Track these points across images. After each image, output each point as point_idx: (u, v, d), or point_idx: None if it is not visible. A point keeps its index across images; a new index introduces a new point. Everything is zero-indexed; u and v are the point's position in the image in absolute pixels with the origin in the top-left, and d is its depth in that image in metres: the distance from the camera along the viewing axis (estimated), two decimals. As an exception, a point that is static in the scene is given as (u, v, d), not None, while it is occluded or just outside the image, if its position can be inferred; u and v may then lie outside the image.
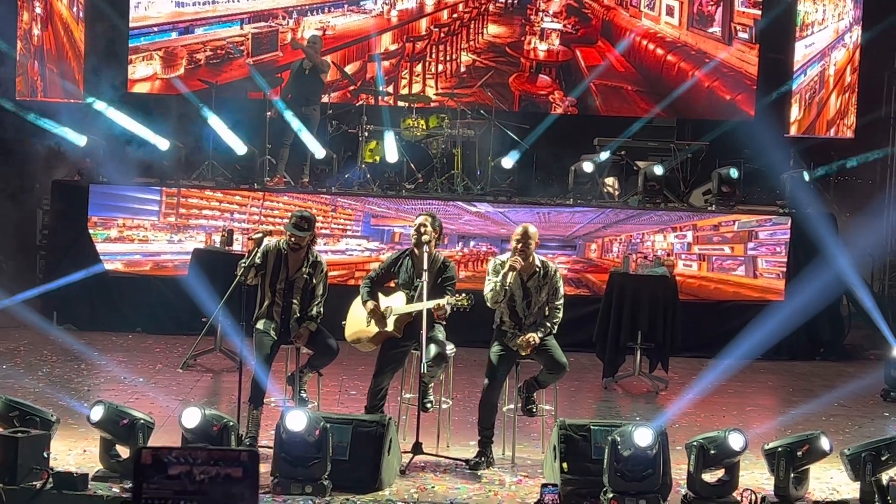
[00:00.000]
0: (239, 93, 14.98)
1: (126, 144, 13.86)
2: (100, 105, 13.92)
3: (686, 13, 15.63)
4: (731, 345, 12.22)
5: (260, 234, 8.73)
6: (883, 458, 7.57)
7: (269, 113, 13.85)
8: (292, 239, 8.73)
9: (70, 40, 15.12)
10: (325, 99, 14.37)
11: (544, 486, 5.92)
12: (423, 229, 8.54)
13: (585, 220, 13.52)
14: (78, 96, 14.77)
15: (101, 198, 13.28)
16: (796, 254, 13.47)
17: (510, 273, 8.41)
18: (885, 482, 7.48)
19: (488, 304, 8.56)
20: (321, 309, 8.81)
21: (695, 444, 7.59)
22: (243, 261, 8.63)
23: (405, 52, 15.58)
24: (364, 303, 8.67)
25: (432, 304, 8.29)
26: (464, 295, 8.35)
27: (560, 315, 8.60)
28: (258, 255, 8.62)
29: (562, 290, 8.66)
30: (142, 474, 4.05)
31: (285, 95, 14.00)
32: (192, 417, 7.51)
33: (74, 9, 15.12)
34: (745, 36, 15.64)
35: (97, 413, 7.54)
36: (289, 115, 13.71)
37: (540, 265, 8.59)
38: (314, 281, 8.79)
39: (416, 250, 8.60)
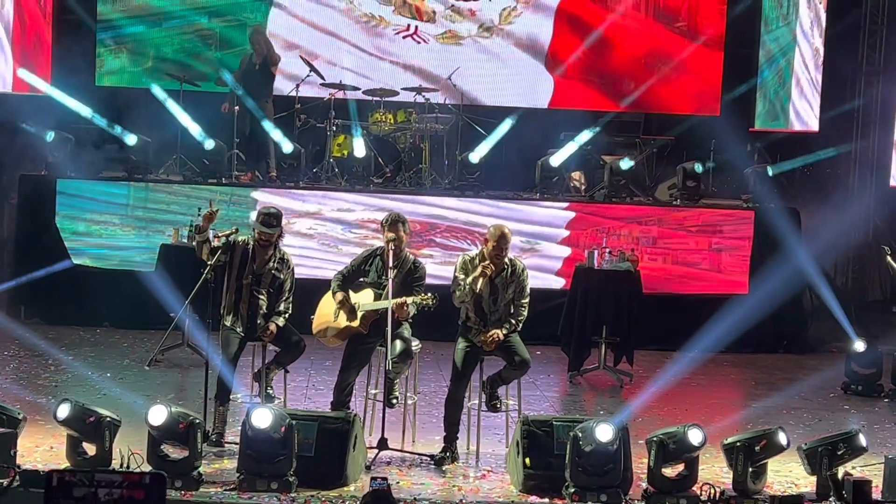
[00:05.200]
0: (208, 84, 14.91)
1: (94, 139, 13.89)
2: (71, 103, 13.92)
3: (652, 7, 15.70)
4: (695, 338, 12.31)
5: (224, 236, 8.78)
6: (839, 453, 7.74)
7: (224, 107, 13.90)
8: (262, 237, 8.79)
9: (37, 33, 15.07)
10: (292, 93, 14.40)
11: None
12: (389, 238, 8.59)
13: (551, 214, 13.61)
14: (46, 90, 14.68)
15: (68, 192, 13.27)
16: (760, 248, 13.61)
17: (480, 280, 8.46)
18: (840, 476, 7.62)
19: (455, 303, 8.65)
20: (289, 305, 8.88)
21: (655, 439, 7.71)
22: (195, 234, 8.72)
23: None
24: (334, 294, 8.75)
25: (398, 301, 8.38)
26: (429, 294, 8.44)
27: (525, 313, 8.69)
28: (222, 241, 8.67)
29: (528, 289, 8.73)
30: (50, 496, 4.20)
31: (236, 89, 14.00)
32: (158, 415, 7.57)
33: (42, 1, 15.07)
34: (711, 31, 15.72)
35: (63, 411, 7.59)
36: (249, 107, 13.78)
37: (508, 263, 8.65)
38: (282, 276, 8.86)
39: (386, 248, 8.65)
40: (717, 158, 14.63)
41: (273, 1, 15.45)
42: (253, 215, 12.09)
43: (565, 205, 13.71)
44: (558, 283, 13.32)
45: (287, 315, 8.85)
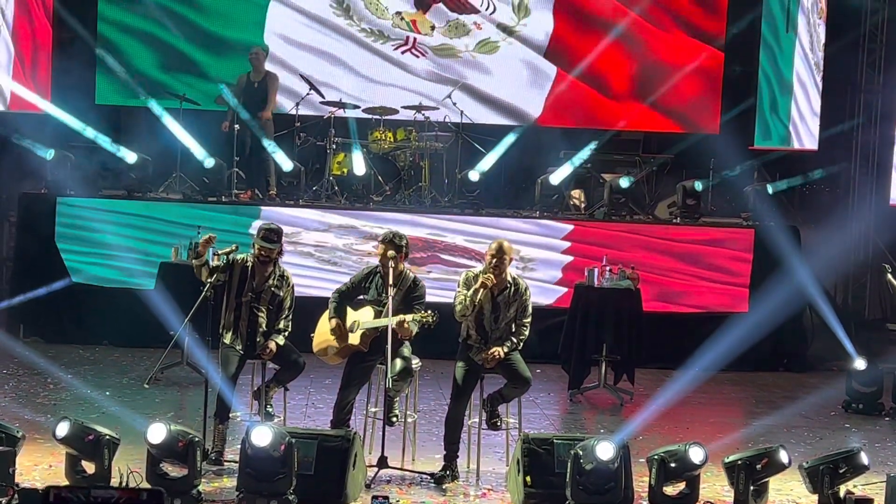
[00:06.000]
0: (208, 102, 14.92)
1: (93, 157, 13.92)
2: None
3: (650, 28, 15.72)
4: (695, 356, 12.32)
5: (228, 250, 8.79)
6: (841, 471, 7.72)
7: (224, 126, 13.93)
8: (262, 252, 8.78)
9: (37, 51, 15.08)
10: (292, 111, 14.42)
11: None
12: (384, 255, 8.58)
13: (551, 232, 13.62)
14: (45, 108, 14.69)
15: (68, 210, 13.26)
16: (760, 266, 13.59)
17: (481, 291, 8.47)
18: (842, 495, 7.61)
19: (456, 317, 8.64)
20: (288, 323, 8.87)
21: (656, 457, 7.70)
22: (194, 260, 8.74)
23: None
24: (330, 319, 8.74)
25: (398, 319, 8.37)
26: (429, 312, 8.42)
27: (527, 332, 8.68)
28: (220, 260, 8.68)
29: (530, 309, 8.73)
30: None
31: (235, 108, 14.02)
32: (157, 433, 7.56)
33: (41, 20, 15.08)
34: (711, 48, 15.74)
35: (62, 429, 7.58)
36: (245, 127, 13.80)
37: (511, 281, 8.65)
38: (281, 294, 8.85)
39: (383, 269, 8.67)
40: (717, 177, 14.63)
41: (273, 29, 15.49)
42: (256, 225, 12.24)
43: (565, 222, 13.71)
44: (558, 292, 13.28)
45: (287, 333, 8.85)
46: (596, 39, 15.58)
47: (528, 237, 13.54)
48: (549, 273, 13.53)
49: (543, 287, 13.32)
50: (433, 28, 15.60)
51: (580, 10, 15.70)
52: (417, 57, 15.60)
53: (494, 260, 8.51)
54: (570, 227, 13.63)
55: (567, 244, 13.56)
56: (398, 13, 15.55)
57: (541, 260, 13.53)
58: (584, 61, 15.57)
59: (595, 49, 15.56)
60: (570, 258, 13.49)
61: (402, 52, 15.59)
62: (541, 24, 15.71)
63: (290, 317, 8.89)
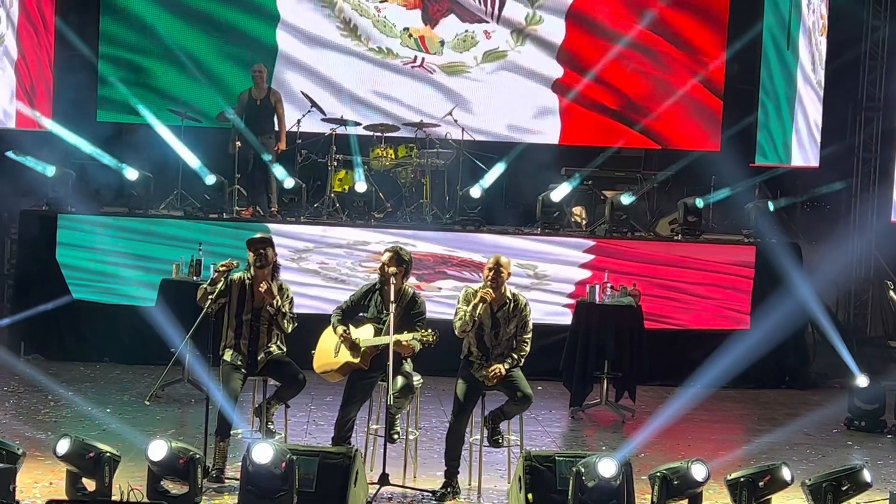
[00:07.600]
0: (209, 119, 14.94)
1: (95, 174, 13.95)
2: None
3: (653, 43, 15.74)
4: (697, 373, 12.33)
5: (225, 268, 8.75)
6: (843, 489, 7.69)
7: (231, 146, 13.93)
8: (257, 259, 8.75)
9: (39, 69, 15.11)
10: (294, 128, 14.44)
11: None
12: (386, 268, 8.59)
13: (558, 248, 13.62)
14: (47, 125, 14.72)
15: (69, 227, 13.26)
16: (762, 283, 13.58)
17: (480, 305, 8.47)
18: (845, 512, 7.59)
19: (456, 333, 8.63)
20: (293, 316, 8.81)
21: (658, 474, 7.67)
22: (206, 285, 8.70)
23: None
24: (335, 329, 8.73)
25: (398, 337, 8.35)
26: (429, 330, 8.42)
27: (527, 348, 8.68)
28: (222, 284, 8.65)
29: (530, 325, 8.72)
30: None
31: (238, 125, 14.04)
32: (158, 450, 7.55)
33: (43, 37, 15.12)
34: (712, 66, 15.77)
35: (63, 446, 7.55)
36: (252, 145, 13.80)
37: (511, 297, 8.66)
38: (280, 303, 8.81)
39: (384, 286, 8.67)
40: (719, 192, 14.65)
41: (279, 48, 15.51)
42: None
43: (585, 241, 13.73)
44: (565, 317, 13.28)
45: (290, 318, 8.78)
46: (601, 54, 15.61)
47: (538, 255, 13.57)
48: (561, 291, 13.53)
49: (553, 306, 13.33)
50: (442, 44, 15.62)
51: (591, 23, 15.72)
52: (430, 73, 15.60)
53: (491, 273, 8.53)
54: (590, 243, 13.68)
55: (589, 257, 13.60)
56: (406, 29, 15.57)
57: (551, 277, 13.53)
58: (587, 77, 15.60)
59: (599, 64, 15.59)
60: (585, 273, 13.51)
61: (412, 69, 15.62)
62: (551, 35, 15.72)
63: (294, 316, 8.83)
